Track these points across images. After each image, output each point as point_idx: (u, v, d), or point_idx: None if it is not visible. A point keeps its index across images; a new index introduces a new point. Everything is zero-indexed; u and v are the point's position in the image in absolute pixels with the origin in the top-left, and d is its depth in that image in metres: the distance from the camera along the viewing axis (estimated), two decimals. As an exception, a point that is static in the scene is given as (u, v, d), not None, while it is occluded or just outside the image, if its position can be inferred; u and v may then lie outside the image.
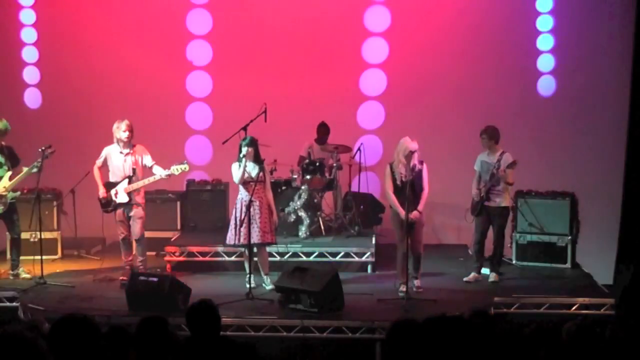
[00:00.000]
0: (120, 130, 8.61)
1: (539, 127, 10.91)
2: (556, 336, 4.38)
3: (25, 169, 8.77)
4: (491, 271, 8.87)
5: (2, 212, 8.85)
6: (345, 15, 11.29)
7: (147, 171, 8.78)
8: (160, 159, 8.93)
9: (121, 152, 8.70)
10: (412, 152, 8.01)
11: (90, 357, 3.70)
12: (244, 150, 8.26)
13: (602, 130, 10.84)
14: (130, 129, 8.62)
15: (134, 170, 8.68)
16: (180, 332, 5.56)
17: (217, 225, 10.29)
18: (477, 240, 8.88)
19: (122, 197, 8.68)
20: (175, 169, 8.64)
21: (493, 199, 8.68)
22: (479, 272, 8.89)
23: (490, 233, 8.90)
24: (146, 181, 8.70)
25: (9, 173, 8.78)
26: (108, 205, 8.76)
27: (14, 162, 8.89)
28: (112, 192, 8.70)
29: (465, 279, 8.87)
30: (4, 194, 8.74)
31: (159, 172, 8.66)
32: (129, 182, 8.67)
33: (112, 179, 8.75)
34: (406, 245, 8.03)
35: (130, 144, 8.70)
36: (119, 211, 8.75)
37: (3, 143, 8.85)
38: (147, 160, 8.76)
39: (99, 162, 8.77)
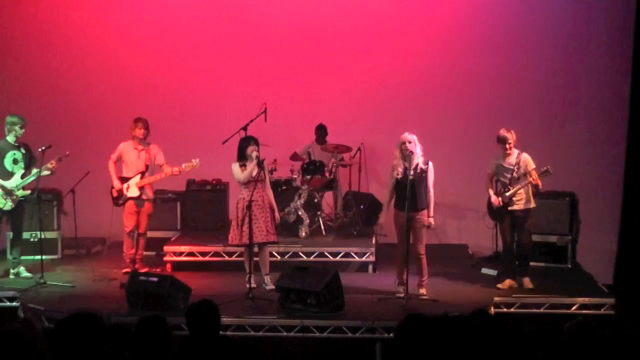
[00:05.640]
0: (137, 128, 9.02)
1: (539, 127, 10.89)
2: (556, 336, 4.38)
3: (34, 170, 8.86)
4: (523, 276, 8.47)
5: (10, 209, 8.88)
6: (346, 15, 11.29)
7: (158, 169, 9.14)
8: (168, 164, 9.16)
9: (136, 148, 9.06)
10: (404, 144, 7.88)
11: (95, 354, 3.71)
12: (256, 153, 8.23)
13: (602, 130, 10.84)
14: (147, 127, 9.04)
15: (146, 166, 9.03)
16: (180, 332, 5.57)
17: (217, 225, 10.31)
18: (506, 246, 8.61)
19: (133, 192, 9.03)
20: (187, 166, 8.97)
21: (516, 202, 8.39)
22: (513, 278, 8.52)
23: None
24: (158, 177, 9.08)
25: (22, 171, 8.87)
26: (119, 198, 9.09)
27: (31, 161, 8.96)
28: (124, 186, 9.03)
29: (498, 285, 8.51)
30: (16, 192, 8.80)
31: (170, 169, 9.01)
32: (141, 177, 9.00)
33: (125, 174, 9.09)
34: (405, 247, 7.98)
35: (145, 141, 9.07)
36: (131, 203, 9.05)
37: (21, 140, 8.94)
38: (160, 159, 9.10)
39: (113, 157, 9.14)
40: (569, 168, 10.64)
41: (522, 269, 8.52)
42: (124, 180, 9.05)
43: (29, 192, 8.94)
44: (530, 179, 8.28)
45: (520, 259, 8.54)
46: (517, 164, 8.37)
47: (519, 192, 8.34)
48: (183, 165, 8.94)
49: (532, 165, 8.36)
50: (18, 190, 8.84)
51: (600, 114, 10.88)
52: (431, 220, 8.01)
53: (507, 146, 8.37)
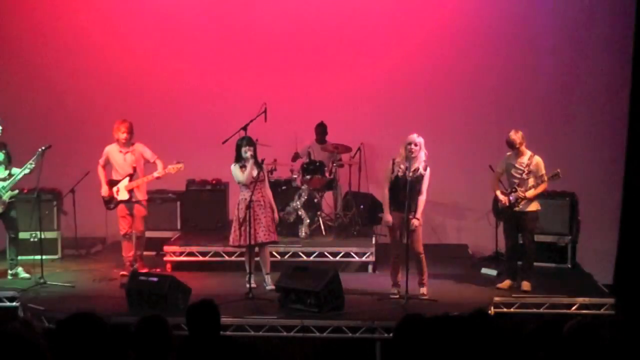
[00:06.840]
0: (120, 131, 8.94)
1: (539, 127, 10.86)
2: (556, 336, 4.38)
3: (15, 170, 8.81)
4: (524, 279, 8.42)
5: (1, 212, 8.85)
6: (345, 14, 11.29)
7: (150, 167, 9.05)
8: (160, 159, 9.10)
9: (121, 151, 9.00)
10: (410, 144, 7.84)
11: (96, 354, 3.71)
12: (250, 152, 8.21)
13: (602, 131, 10.84)
14: (129, 130, 8.95)
15: (134, 168, 8.97)
16: (180, 332, 5.57)
17: (217, 225, 10.30)
18: (510, 247, 8.53)
19: (122, 195, 8.98)
20: (171, 168, 8.95)
21: (521, 204, 8.28)
22: (513, 279, 8.48)
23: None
24: (145, 179, 9.01)
25: (6, 172, 8.83)
26: (110, 202, 9.06)
27: (10, 161, 8.91)
28: (114, 189, 8.99)
29: (498, 285, 8.49)
30: (4, 196, 8.76)
31: (156, 172, 8.97)
32: (130, 180, 8.95)
33: (115, 177, 9.05)
34: (400, 247, 7.97)
35: (129, 143, 9.00)
36: (122, 207, 9.02)
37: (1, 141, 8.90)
38: (148, 155, 9.05)
39: (101, 161, 9.08)
40: (569, 168, 10.59)
41: (525, 273, 8.43)
42: (114, 183, 9.00)
43: (17, 191, 8.94)
44: (536, 183, 8.22)
45: (524, 262, 8.47)
46: (528, 165, 8.29)
47: (527, 192, 8.25)
48: (168, 167, 8.91)
49: (542, 170, 8.28)
50: (6, 192, 8.78)
51: (601, 114, 10.88)
52: (415, 221, 7.93)
53: (516, 150, 8.31)
